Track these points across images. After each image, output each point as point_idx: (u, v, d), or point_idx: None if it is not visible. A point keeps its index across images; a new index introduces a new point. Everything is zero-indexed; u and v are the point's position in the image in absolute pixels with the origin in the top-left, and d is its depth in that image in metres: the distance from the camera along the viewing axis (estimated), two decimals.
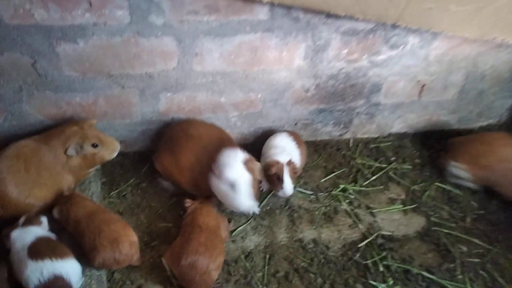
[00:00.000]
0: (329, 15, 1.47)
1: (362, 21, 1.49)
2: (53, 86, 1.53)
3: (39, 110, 1.60)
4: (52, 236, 1.35)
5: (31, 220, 1.33)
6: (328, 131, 1.93)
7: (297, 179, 1.74)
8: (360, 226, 1.59)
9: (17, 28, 1.34)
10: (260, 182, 1.55)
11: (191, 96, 1.67)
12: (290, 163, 1.52)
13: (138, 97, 1.63)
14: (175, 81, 1.60)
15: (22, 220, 1.33)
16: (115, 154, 1.57)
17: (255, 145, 1.82)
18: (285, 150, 1.59)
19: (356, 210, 1.65)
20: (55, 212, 1.40)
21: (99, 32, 1.40)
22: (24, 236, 1.28)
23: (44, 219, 1.37)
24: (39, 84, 1.51)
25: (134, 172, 1.75)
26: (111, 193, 1.65)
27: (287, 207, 1.65)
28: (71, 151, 1.47)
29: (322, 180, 1.77)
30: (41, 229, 1.33)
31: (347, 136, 1.97)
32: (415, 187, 1.75)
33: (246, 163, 1.43)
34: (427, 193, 1.73)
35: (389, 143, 1.95)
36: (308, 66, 1.64)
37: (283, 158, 1.53)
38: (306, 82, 1.70)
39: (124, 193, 1.65)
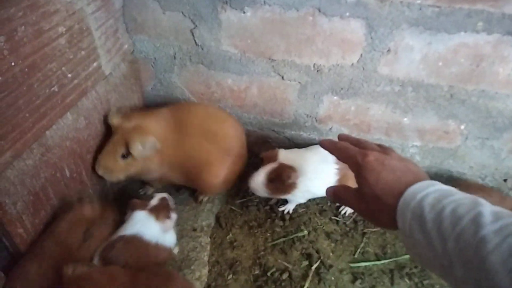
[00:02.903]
0: None
1: None
2: (208, 60, 1.30)
3: (187, 85, 1.40)
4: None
5: (159, 212, 1.07)
6: None
7: None
8: None
9: None
10: None
11: (363, 106, 1.25)
12: None
13: (297, 93, 1.29)
14: (348, 82, 1.20)
15: (154, 201, 1.10)
16: None
17: None
18: None
19: None
20: None
21: (273, 1, 1.10)
22: (135, 222, 1.04)
23: (173, 217, 1.10)
24: (193, 55, 1.30)
25: None
26: (236, 200, 1.35)
27: None
28: None
29: None
30: (156, 230, 1.05)
31: None
32: None
33: None
34: None
35: None
36: None
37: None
38: None
39: (249, 204, 1.33)
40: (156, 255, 1.02)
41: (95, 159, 1.19)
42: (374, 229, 1.25)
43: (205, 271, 1.10)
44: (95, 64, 1.12)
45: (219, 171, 1.20)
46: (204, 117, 1.20)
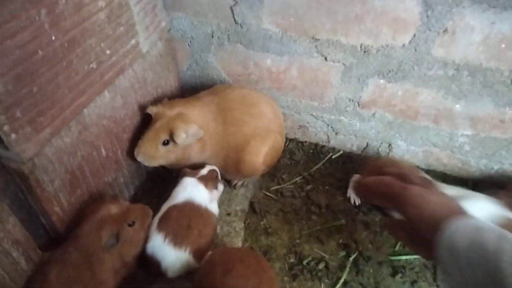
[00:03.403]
0: None
1: None
2: (247, 39, 1.24)
3: (224, 66, 1.36)
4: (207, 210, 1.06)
5: (208, 181, 1.10)
6: None
7: None
8: None
9: None
10: None
11: (411, 91, 1.17)
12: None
13: (340, 76, 1.22)
14: (397, 65, 1.13)
15: (204, 171, 1.13)
16: None
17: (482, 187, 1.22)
18: None
19: None
20: None
21: None
22: (185, 188, 1.06)
23: (220, 188, 1.14)
24: (232, 33, 1.25)
25: (303, 168, 1.37)
26: (270, 187, 1.30)
27: None
28: None
29: None
30: (205, 197, 1.07)
31: None
32: None
33: None
34: None
35: None
36: None
37: None
38: None
39: (283, 191, 1.29)
40: (207, 219, 1.03)
41: (131, 139, 1.17)
42: None
43: None
44: (133, 41, 1.08)
45: (259, 149, 1.17)
46: (241, 100, 1.17)
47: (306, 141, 1.45)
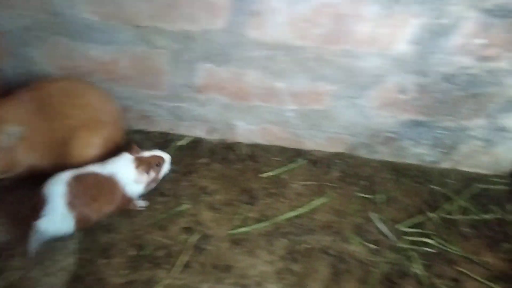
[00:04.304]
0: None
1: None
2: (67, 30, 1.17)
3: (49, 60, 1.26)
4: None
5: (142, 163, 1.10)
6: (418, 153, 1.39)
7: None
8: None
9: None
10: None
11: (238, 73, 1.23)
12: None
13: (169, 62, 1.22)
14: (220, 48, 1.17)
15: (147, 153, 1.13)
16: None
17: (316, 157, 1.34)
18: None
19: (434, 280, 1.10)
20: None
21: None
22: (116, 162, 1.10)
23: (150, 176, 1.13)
24: (50, 26, 1.16)
25: None
26: None
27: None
28: None
29: (401, 227, 1.22)
30: (131, 175, 1.09)
31: (444, 165, 1.41)
32: None
33: None
34: None
35: (506, 187, 1.37)
36: (414, 55, 1.12)
37: None
38: (405, 78, 1.18)
39: None
40: (120, 197, 1.07)
41: None
42: None
43: (71, 260, 1.03)
44: None
45: (89, 141, 1.13)
46: (63, 93, 1.12)
47: (152, 131, 1.43)
